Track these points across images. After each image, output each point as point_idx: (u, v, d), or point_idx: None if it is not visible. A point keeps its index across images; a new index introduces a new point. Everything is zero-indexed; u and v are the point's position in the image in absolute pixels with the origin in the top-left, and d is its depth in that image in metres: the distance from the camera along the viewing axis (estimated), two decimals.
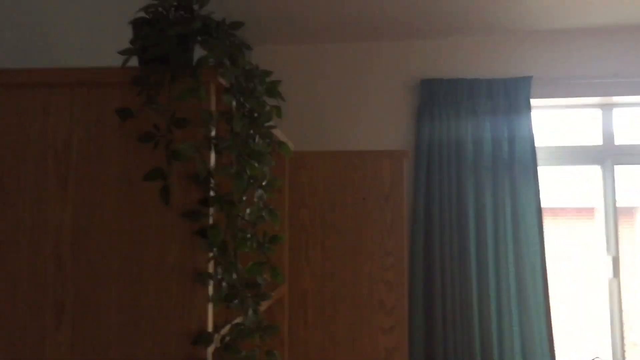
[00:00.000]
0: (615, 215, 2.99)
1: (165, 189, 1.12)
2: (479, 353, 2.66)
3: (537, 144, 3.00)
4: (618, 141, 3.04)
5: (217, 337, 1.16)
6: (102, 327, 1.14)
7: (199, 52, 1.73)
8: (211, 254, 1.16)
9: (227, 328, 1.23)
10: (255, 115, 1.26)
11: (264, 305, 1.65)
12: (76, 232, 1.16)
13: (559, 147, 3.04)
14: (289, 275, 2.26)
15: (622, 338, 2.90)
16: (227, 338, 1.20)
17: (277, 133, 1.74)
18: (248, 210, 1.23)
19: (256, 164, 1.22)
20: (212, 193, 1.17)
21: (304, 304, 2.22)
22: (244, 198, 1.24)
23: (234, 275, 1.19)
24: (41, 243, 1.16)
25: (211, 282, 1.16)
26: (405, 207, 2.27)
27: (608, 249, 2.91)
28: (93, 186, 1.17)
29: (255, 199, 1.25)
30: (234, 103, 1.19)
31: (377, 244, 2.25)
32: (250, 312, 1.19)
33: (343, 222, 2.26)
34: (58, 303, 1.15)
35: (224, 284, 1.18)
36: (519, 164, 2.80)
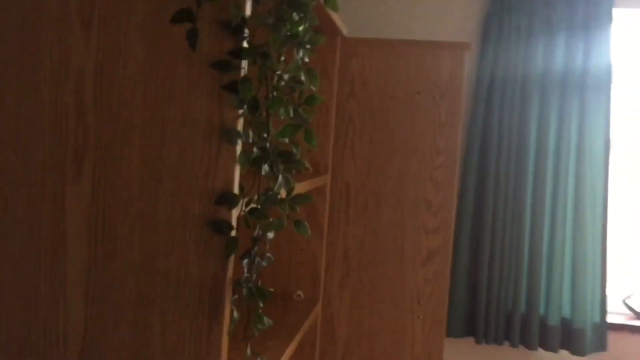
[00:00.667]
0: None
1: (192, 32, 1.01)
2: (526, 260, 2.55)
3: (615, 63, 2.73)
4: None
5: (243, 200, 1.08)
6: (123, 180, 1.07)
7: None
8: (241, 111, 1.06)
9: (255, 194, 1.14)
10: None
11: (303, 187, 1.56)
12: (98, 78, 1.07)
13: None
14: (332, 167, 2.16)
15: None
16: (255, 204, 1.11)
17: None
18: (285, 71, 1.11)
19: (296, 17, 1.09)
20: (245, 44, 1.05)
21: (347, 197, 2.13)
22: (282, 58, 1.12)
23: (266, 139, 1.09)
24: (61, 89, 1.08)
25: (239, 142, 1.07)
26: (462, 105, 2.10)
27: None
28: (117, 28, 1.07)
29: (295, 57, 1.13)
30: None
31: (428, 141, 2.10)
32: (280, 179, 1.10)
33: (393, 116, 2.12)
34: (78, 152, 1.08)
35: (254, 148, 1.09)
36: (591, 84, 2.56)
